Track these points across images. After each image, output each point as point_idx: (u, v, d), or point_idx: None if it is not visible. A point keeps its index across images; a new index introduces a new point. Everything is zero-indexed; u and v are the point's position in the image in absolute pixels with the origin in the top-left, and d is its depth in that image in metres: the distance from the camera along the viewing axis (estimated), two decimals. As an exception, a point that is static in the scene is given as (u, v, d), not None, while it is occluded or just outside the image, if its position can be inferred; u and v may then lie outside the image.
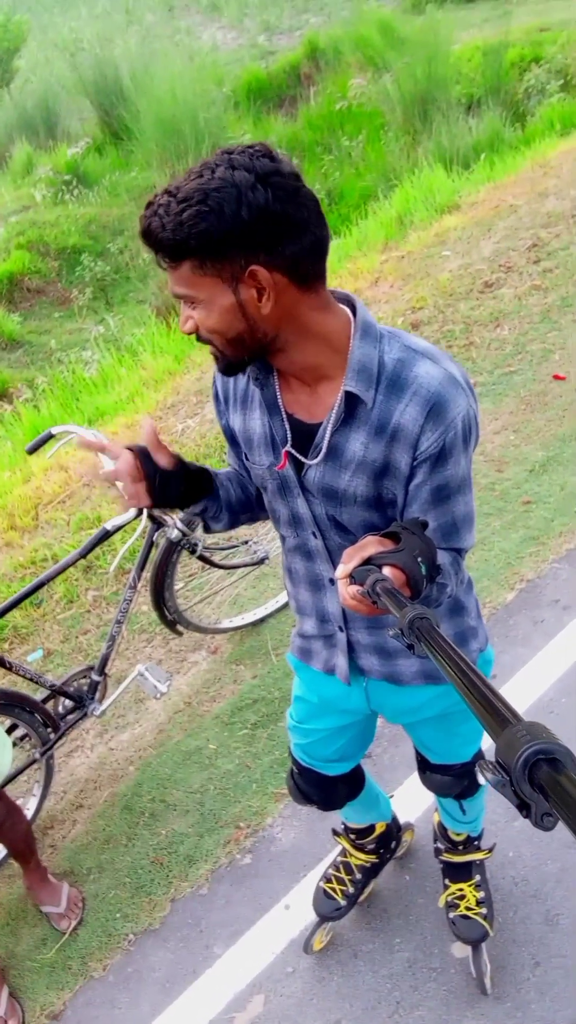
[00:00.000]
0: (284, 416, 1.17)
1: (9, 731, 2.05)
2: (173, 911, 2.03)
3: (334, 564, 1.26)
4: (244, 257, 0.97)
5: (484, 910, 1.77)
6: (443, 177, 5.83)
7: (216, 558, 2.60)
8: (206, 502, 1.28)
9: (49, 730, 2.12)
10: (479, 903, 1.78)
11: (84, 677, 2.26)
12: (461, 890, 1.80)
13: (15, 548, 3.11)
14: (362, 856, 1.85)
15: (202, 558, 2.44)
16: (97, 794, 2.33)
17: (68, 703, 2.23)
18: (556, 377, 3.57)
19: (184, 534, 2.22)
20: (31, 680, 2.10)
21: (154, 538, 2.24)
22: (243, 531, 2.91)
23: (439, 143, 6.88)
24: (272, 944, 1.92)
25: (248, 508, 1.36)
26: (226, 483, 1.33)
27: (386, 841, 1.88)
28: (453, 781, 1.56)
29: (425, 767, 1.60)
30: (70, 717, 2.23)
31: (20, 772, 2.13)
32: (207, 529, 1.39)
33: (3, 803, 1.87)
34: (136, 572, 2.22)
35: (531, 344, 3.79)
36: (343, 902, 1.85)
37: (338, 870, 1.88)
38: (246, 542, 2.68)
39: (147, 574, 2.35)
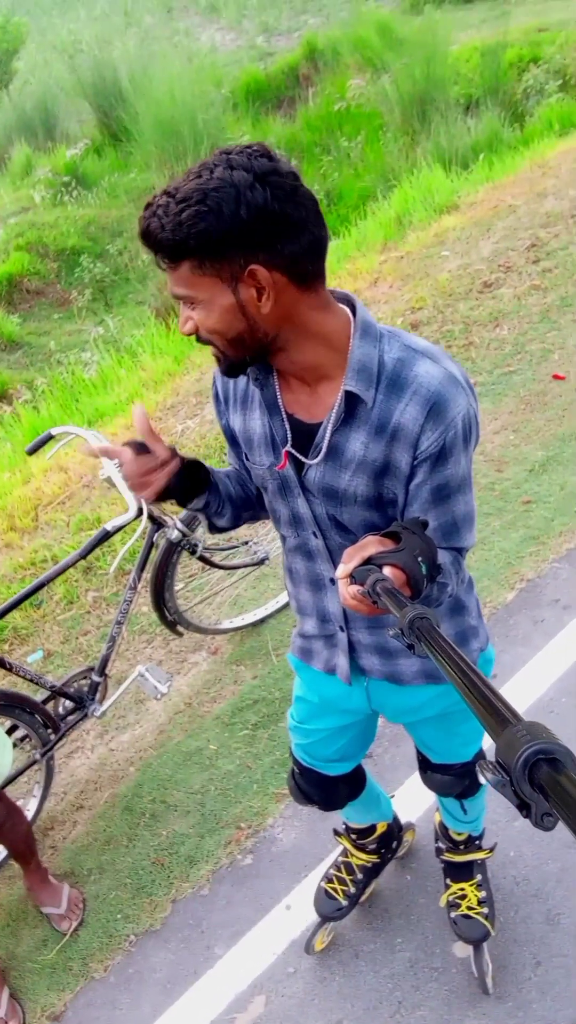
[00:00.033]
0: (284, 416, 1.17)
1: (9, 732, 2.05)
2: (174, 912, 2.03)
3: (335, 564, 1.26)
4: (243, 257, 0.97)
5: (485, 910, 1.77)
6: (442, 177, 5.84)
7: (216, 559, 2.60)
8: (208, 496, 1.28)
9: (49, 731, 2.12)
10: (480, 903, 1.78)
11: (84, 678, 2.26)
12: (462, 890, 1.80)
13: (15, 549, 3.11)
14: (363, 856, 1.85)
15: (202, 559, 2.44)
16: (98, 795, 2.33)
17: (68, 704, 2.23)
18: (555, 377, 3.57)
19: (184, 535, 2.22)
20: (31, 681, 2.10)
21: (154, 539, 2.24)
22: (243, 532, 2.91)
23: (438, 143, 6.88)
24: (273, 944, 1.92)
25: (249, 506, 1.36)
26: (225, 480, 1.33)
27: (387, 841, 1.88)
28: (454, 781, 1.56)
29: (426, 767, 1.60)
30: (70, 718, 2.23)
31: (20, 773, 2.12)
32: (211, 527, 1.38)
33: (3, 804, 1.87)
34: (136, 573, 2.22)
35: (530, 344, 3.79)
36: (344, 902, 1.85)
37: (339, 870, 1.88)
38: (246, 543, 2.68)
39: (147, 575, 2.35)
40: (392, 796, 1.94)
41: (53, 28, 14.49)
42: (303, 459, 1.17)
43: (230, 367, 1.10)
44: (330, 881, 1.87)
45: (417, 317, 4.06)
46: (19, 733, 2.08)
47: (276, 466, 1.19)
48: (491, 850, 1.81)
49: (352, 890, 1.86)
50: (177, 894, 2.06)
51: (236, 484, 1.34)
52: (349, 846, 1.85)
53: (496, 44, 8.54)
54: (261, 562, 2.69)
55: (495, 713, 0.61)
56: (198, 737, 2.42)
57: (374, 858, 1.87)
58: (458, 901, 1.79)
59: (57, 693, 2.17)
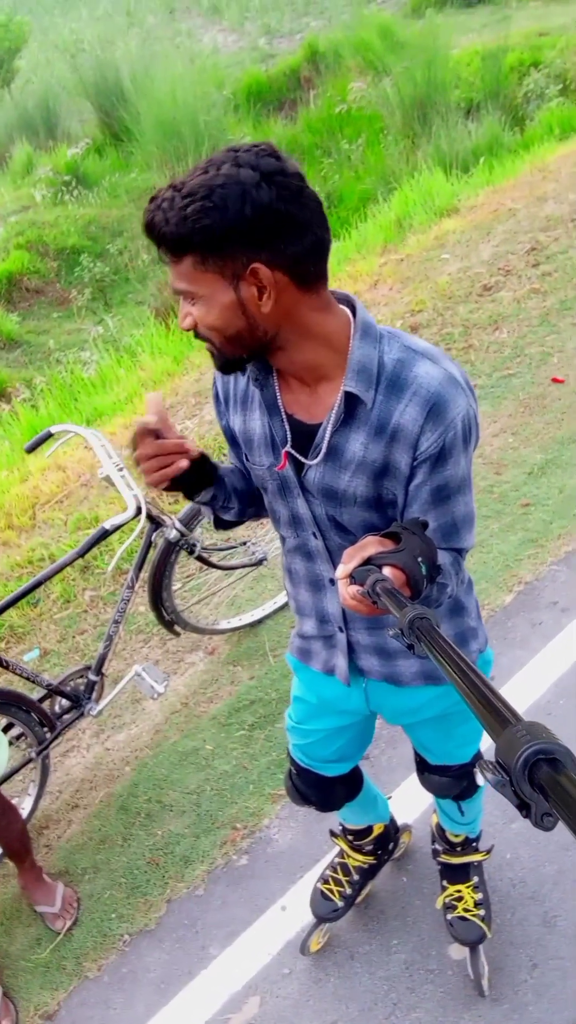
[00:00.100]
0: (284, 416, 1.16)
1: (5, 730, 2.05)
2: (169, 912, 2.02)
3: (334, 564, 1.26)
4: (246, 255, 0.97)
5: (482, 912, 1.77)
6: (442, 181, 5.85)
7: (214, 559, 2.60)
8: (214, 490, 1.27)
9: (45, 729, 2.12)
10: (477, 904, 1.78)
11: (81, 677, 2.26)
12: (459, 891, 1.80)
13: (12, 547, 3.11)
14: (360, 857, 1.85)
15: (200, 559, 2.44)
16: (93, 794, 2.32)
17: (65, 703, 2.22)
18: (555, 380, 3.58)
19: (182, 534, 2.22)
20: (28, 679, 2.09)
21: (152, 538, 2.23)
22: (241, 532, 2.91)
23: (438, 147, 6.89)
24: (268, 945, 1.92)
25: (255, 501, 1.35)
26: (231, 474, 1.32)
27: (384, 842, 1.88)
28: (452, 782, 1.56)
29: (424, 768, 1.60)
30: (66, 717, 2.22)
31: (16, 771, 2.12)
32: (217, 522, 1.38)
33: (-1, 803, 1.86)
34: (134, 572, 2.21)
35: (530, 347, 3.80)
36: (340, 903, 1.84)
37: (335, 871, 1.88)
38: (244, 543, 2.68)
39: (145, 574, 2.34)
40: (389, 797, 1.94)
41: (55, 27, 14.49)
42: (303, 460, 1.17)
43: (226, 364, 1.10)
44: (326, 882, 1.87)
45: (417, 320, 4.06)
46: (15, 731, 2.08)
47: (276, 466, 1.19)
48: (488, 852, 1.81)
49: (348, 891, 1.85)
50: (172, 894, 2.05)
51: (241, 479, 1.34)
52: (345, 847, 1.85)
53: (497, 48, 8.56)
54: (259, 563, 2.69)
55: (495, 713, 0.61)
56: (194, 737, 2.42)
57: (370, 859, 1.86)
58: (455, 903, 1.79)
59: (53, 692, 2.17)
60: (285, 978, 1.86)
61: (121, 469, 2.10)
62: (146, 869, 2.11)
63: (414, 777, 1.68)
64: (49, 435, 2.17)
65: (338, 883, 1.86)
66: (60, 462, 3.50)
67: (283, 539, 1.32)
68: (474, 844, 1.79)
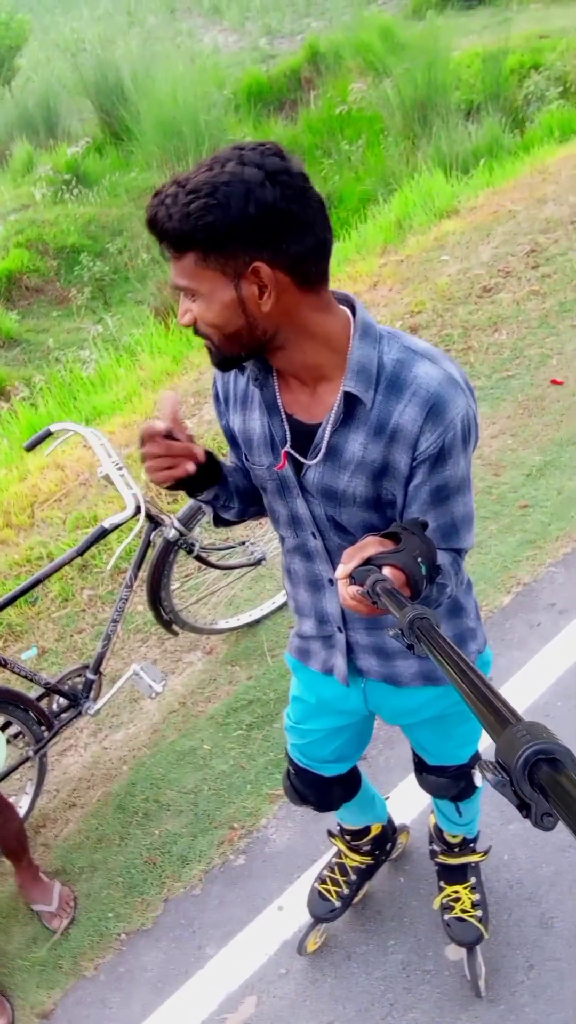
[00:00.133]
0: (283, 416, 1.16)
1: (3, 728, 2.05)
2: (166, 911, 2.02)
3: (333, 564, 1.26)
4: (248, 253, 0.97)
5: (479, 912, 1.77)
6: (442, 182, 5.85)
7: (213, 558, 2.60)
8: (217, 489, 1.27)
9: (43, 728, 2.12)
10: (474, 905, 1.78)
11: (79, 676, 2.26)
12: (456, 892, 1.80)
13: (11, 546, 3.11)
14: (357, 857, 1.85)
15: (199, 558, 2.44)
16: (90, 793, 2.32)
17: (62, 701, 2.22)
18: (554, 382, 3.58)
19: (181, 534, 2.22)
20: (26, 678, 2.09)
21: (151, 537, 2.23)
22: (240, 532, 2.91)
23: (438, 148, 6.90)
24: (265, 945, 1.92)
25: (256, 500, 1.35)
26: (234, 473, 1.32)
27: (381, 843, 1.88)
28: (450, 783, 1.56)
29: (422, 769, 1.60)
30: (64, 715, 2.22)
31: (13, 770, 2.12)
32: (217, 520, 1.38)
33: (-3, 801, 1.86)
34: (133, 571, 2.21)
35: (529, 349, 3.80)
36: (337, 903, 1.84)
37: (333, 871, 1.88)
38: (243, 543, 2.68)
39: (143, 573, 2.34)
40: (387, 798, 1.94)
41: (56, 26, 14.49)
42: (302, 459, 1.17)
43: (223, 361, 1.10)
44: (323, 882, 1.87)
45: (416, 321, 4.07)
46: (12, 730, 2.08)
47: (275, 466, 1.19)
48: (485, 853, 1.81)
49: (345, 891, 1.85)
50: (169, 893, 2.05)
51: (243, 478, 1.34)
52: (343, 847, 1.85)
53: (497, 50, 8.56)
54: (258, 562, 2.69)
55: (495, 713, 0.61)
56: (192, 737, 2.42)
57: (368, 860, 1.86)
58: (452, 904, 1.79)
59: (51, 690, 2.17)
60: (282, 978, 1.86)
61: (120, 468, 2.10)
62: (143, 868, 2.11)
63: (412, 778, 1.68)
64: (48, 434, 2.17)
65: (335, 883, 1.86)
66: (59, 461, 3.50)
67: (282, 539, 1.32)
68: (472, 845, 1.79)
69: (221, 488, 1.28)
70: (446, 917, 1.79)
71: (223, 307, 1.01)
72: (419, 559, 0.95)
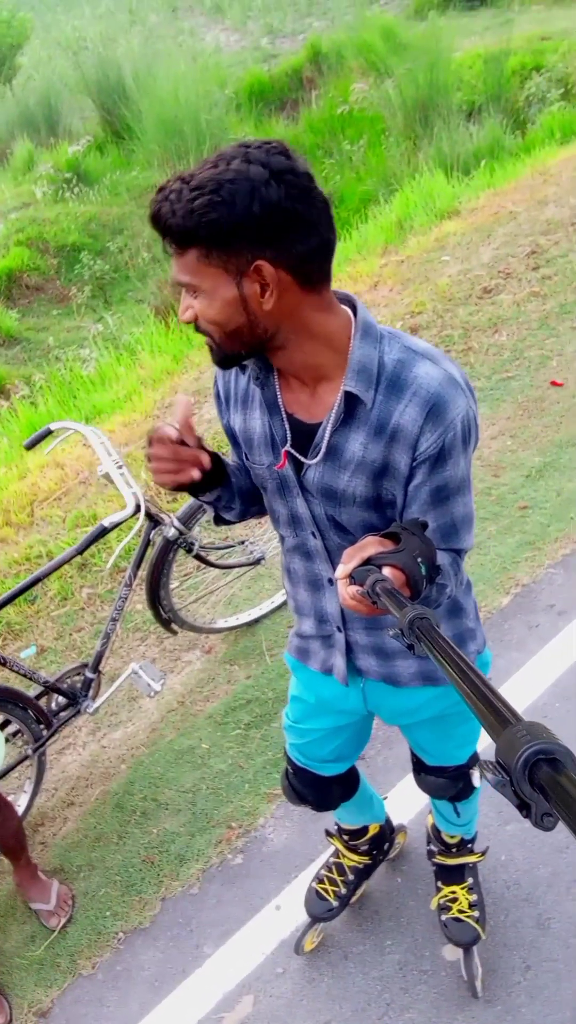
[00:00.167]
0: (284, 416, 1.17)
1: (2, 727, 2.05)
2: (163, 910, 2.02)
3: (333, 564, 1.26)
4: (251, 251, 0.97)
5: (476, 913, 1.77)
6: (443, 183, 5.85)
7: (212, 557, 2.60)
8: (220, 491, 1.27)
9: (42, 726, 2.12)
10: (472, 906, 1.78)
11: (78, 674, 2.26)
12: (454, 893, 1.80)
13: (10, 544, 3.11)
14: (355, 857, 1.85)
15: (198, 557, 2.44)
16: (89, 792, 2.32)
17: (61, 700, 2.22)
18: (553, 383, 3.59)
19: (181, 533, 2.22)
20: (25, 676, 2.09)
21: (151, 536, 2.23)
22: (239, 531, 2.91)
23: (440, 149, 6.90)
24: (262, 944, 1.92)
25: (257, 500, 1.35)
26: (237, 473, 1.32)
27: (379, 843, 1.88)
28: (448, 783, 1.56)
29: (420, 769, 1.60)
30: (63, 714, 2.22)
31: (12, 768, 2.12)
32: (217, 520, 1.38)
33: (-5, 799, 1.86)
34: (132, 570, 2.21)
35: (529, 350, 3.80)
36: (335, 903, 1.84)
37: (330, 871, 1.88)
38: (242, 542, 2.68)
39: (143, 572, 2.34)
40: (385, 798, 1.94)
41: (57, 24, 14.49)
42: (302, 459, 1.17)
43: (223, 359, 1.10)
44: (321, 882, 1.87)
45: (416, 321, 4.07)
46: (11, 728, 2.08)
47: (275, 466, 1.19)
48: (483, 854, 1.81)
49: (343, 891, 1.86)
50: (167, 892, 2.05)
51: (245, 478, 1.34)
52: (341, 847, 1.85)
53: (499, 51, 8.56)
54: (257, 562, 2.69)
55: (495, 713, 0.61)
56: (190, 736, 2.42)
57: (365, 859, 1.87)
58: (449, 904, 1.79)
59: (50, 689, 2.17)
60: (279, 977, 1.86)
61: (120, 467, 2.10)
62: (141, 867, 2.11)
63: (410, 778, 1.68)
64: (48, 432, 2.17)
65: (333, 883, 1.86)
66: (59, 459, 3.50)
67: (282, 538, 1.32)
68: (469, 845, 1.80)
69: (224, 490, 1.28)
70: (443, 917, 1.79)
71: (225, 304, 1.01)
72: (419, 559, 0.96)
